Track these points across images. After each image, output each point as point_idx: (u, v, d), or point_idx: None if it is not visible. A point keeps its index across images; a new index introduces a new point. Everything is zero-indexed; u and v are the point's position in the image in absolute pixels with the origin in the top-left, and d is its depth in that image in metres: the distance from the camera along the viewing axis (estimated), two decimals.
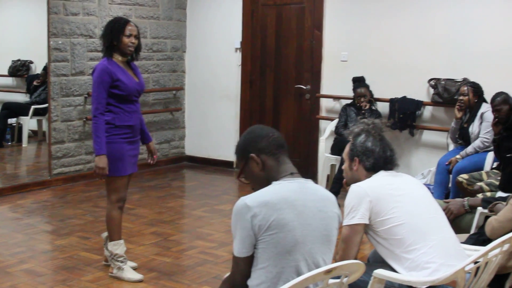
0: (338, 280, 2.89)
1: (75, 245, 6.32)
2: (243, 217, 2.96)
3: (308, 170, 8.98)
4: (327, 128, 8.74)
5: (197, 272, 5.66)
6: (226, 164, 10.04)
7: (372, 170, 3.73)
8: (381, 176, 3.69)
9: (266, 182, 3.12)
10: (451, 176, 7.14)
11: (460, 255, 3.52)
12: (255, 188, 3.12)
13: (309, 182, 3.20)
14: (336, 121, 8.45)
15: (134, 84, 5.32)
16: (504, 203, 4.26)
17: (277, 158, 3.17)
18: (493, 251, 3.36)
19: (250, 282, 3.04)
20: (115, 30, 5.27)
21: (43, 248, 6.34)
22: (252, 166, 3.18)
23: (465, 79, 7.74)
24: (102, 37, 5.41)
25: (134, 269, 5.55)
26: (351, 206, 3.56)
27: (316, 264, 3.05)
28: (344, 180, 3.93)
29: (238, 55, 9.88)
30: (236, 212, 3.00)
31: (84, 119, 8.84)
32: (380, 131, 3.81)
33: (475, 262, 3.30)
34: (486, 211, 4.65)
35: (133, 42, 5.29)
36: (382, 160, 3.73)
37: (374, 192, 3.55)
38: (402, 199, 3.56)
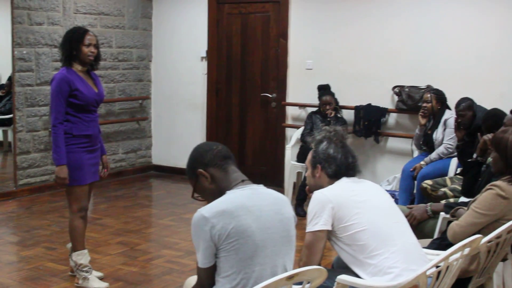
0: (300, 286, 2.92)
1: (41, 256, 6.28)
2: (201, 229, 2.99)
3: (274, 177, 9.01)
4: (293, 136, 8.77)
5: (163, 281, 5.65)
6: None
7: (334, 177, 3.76)
8: (344, 183, 3.72)
9: (219, 194, 3.16)
10: (416, 182, 7.21)
11: (422, 260, 3.56)
12: (210, 202, 3.15)
13: (261, 187, 3.25)
14: (302, 129, 8.48)
15: (93, 94, 5.32)
16: (466, 208, 4.31)
17: (225, 169, 3.24)
18: (454, 255, 3.39)
19: None
20: (74, 39, 5.27)
21: (8, 259, 6.29)
22: (202, 181, 3.24)
23: (428, 86, 7.83)
24: (61, 47, 5.39)
25: (101, 278, 5.55)
26: (314, 212, 3.59)
27: (279, 266, 3.10)
28: (307, 187, 3.96)
29: (204, 64, 9.89)
30: (194, 225, 3.04)
31: (50, 129, 8.76)
32: (341, 138, 3.84)
33: (437, 266, 3.34)
34: (448, 216, 4.70)
35: (92, 51, 5.28)
36: (344, 167, 3.76)
37: (336, 199, 3.58)
38: (364, 205, 3.60)
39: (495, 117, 5.66)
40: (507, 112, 5.75)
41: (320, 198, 3.61)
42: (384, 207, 3.70)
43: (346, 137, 3.90)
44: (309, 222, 3.62)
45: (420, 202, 6.68)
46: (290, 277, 2.75)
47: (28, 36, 8.49)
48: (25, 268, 5.94)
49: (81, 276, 5.40)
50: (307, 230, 3.61)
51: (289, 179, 8.46)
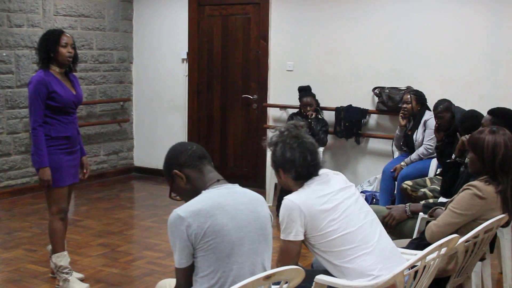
0: (278, 286, 2.93)
1: (21, 258, 6.27)
2: (178, 229, 3.01)
3: (256, 179, 9.02)
4: None
5: (144, 282, 5.66)
6: None
7: (299, 179, 3.67)
8: (313, 188, 3.62)
9: (195, 194, 3.19)
10: (396, 183, 7.24)
11: (396, 256, 3.59)
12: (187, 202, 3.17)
13: (236, 186, 3.27)
14: None
15: (71, 96, 5.32)
16: (444, 208, 4.34)
17: (200, 169, 3.26)
18: (431, 254, 3.41)
19: None
20: (50, 41, 5.27)
21: None
22: (178, 182, 3.27)
23: (408, 87, 7.87)
24: (37, 49, 5.39)
25: (81, 280, 5.54)
26: (286, 222, 3.54)
27: (257, 264, 3.13)
28: None
29: (185, 65, 9.90)
30: (170, 225, 3.06)
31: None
32: (296, 136, 3.68)
33: (413, 266, 3.35)
34: (426, 216, 4.73)
35: (70, 51, 5.29)
36: (305, 169, 3.64)
37: (307, 209, 3.51)
38: (335, 211, 3.55)
39: (472, 119, 5.69)
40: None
41: (290, 207, 3.54)
42: (354, 208, 3.64)
43: (300, 130, 3.72)
44: (282, 230, 3.59)
45: (400, 202, 6.71)
46: (267, 277, 2.76)
47: (7, 38, 8.47)
48: (6, 270, 5.92)
49: (62, 278, 5.39)
50: (280, 237, 3.59)
51: (271, 180, 8.47)
